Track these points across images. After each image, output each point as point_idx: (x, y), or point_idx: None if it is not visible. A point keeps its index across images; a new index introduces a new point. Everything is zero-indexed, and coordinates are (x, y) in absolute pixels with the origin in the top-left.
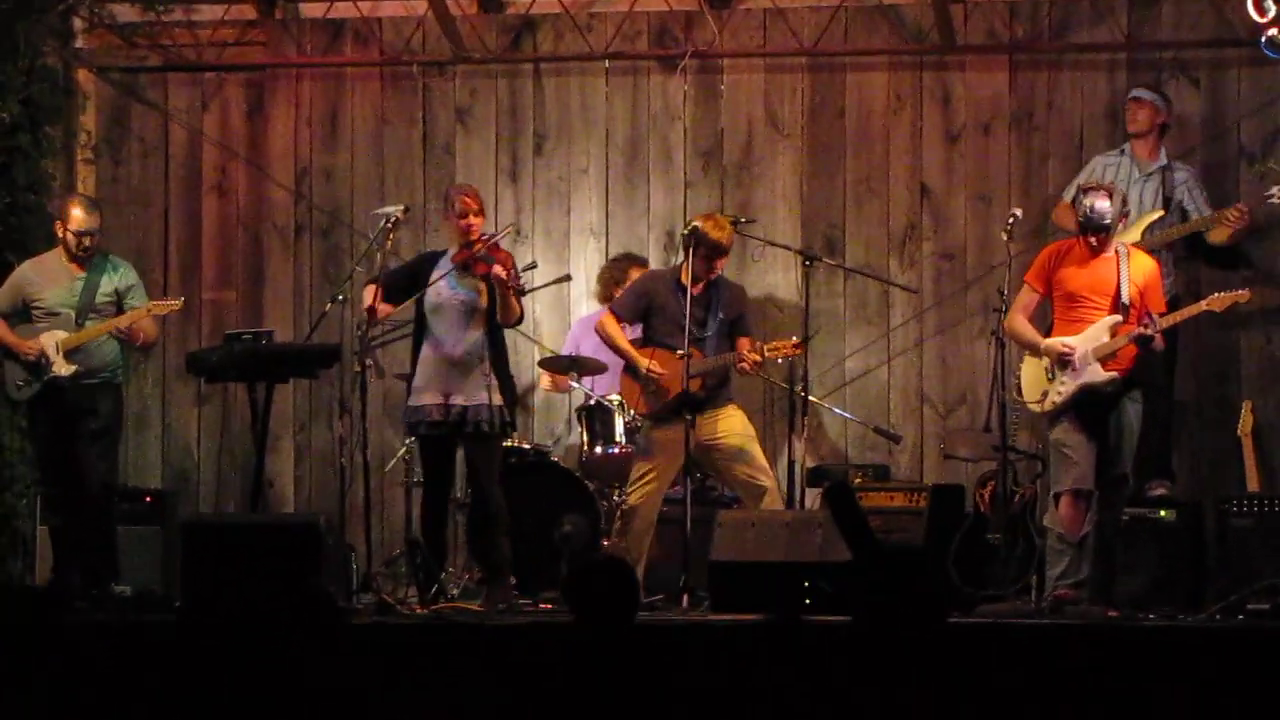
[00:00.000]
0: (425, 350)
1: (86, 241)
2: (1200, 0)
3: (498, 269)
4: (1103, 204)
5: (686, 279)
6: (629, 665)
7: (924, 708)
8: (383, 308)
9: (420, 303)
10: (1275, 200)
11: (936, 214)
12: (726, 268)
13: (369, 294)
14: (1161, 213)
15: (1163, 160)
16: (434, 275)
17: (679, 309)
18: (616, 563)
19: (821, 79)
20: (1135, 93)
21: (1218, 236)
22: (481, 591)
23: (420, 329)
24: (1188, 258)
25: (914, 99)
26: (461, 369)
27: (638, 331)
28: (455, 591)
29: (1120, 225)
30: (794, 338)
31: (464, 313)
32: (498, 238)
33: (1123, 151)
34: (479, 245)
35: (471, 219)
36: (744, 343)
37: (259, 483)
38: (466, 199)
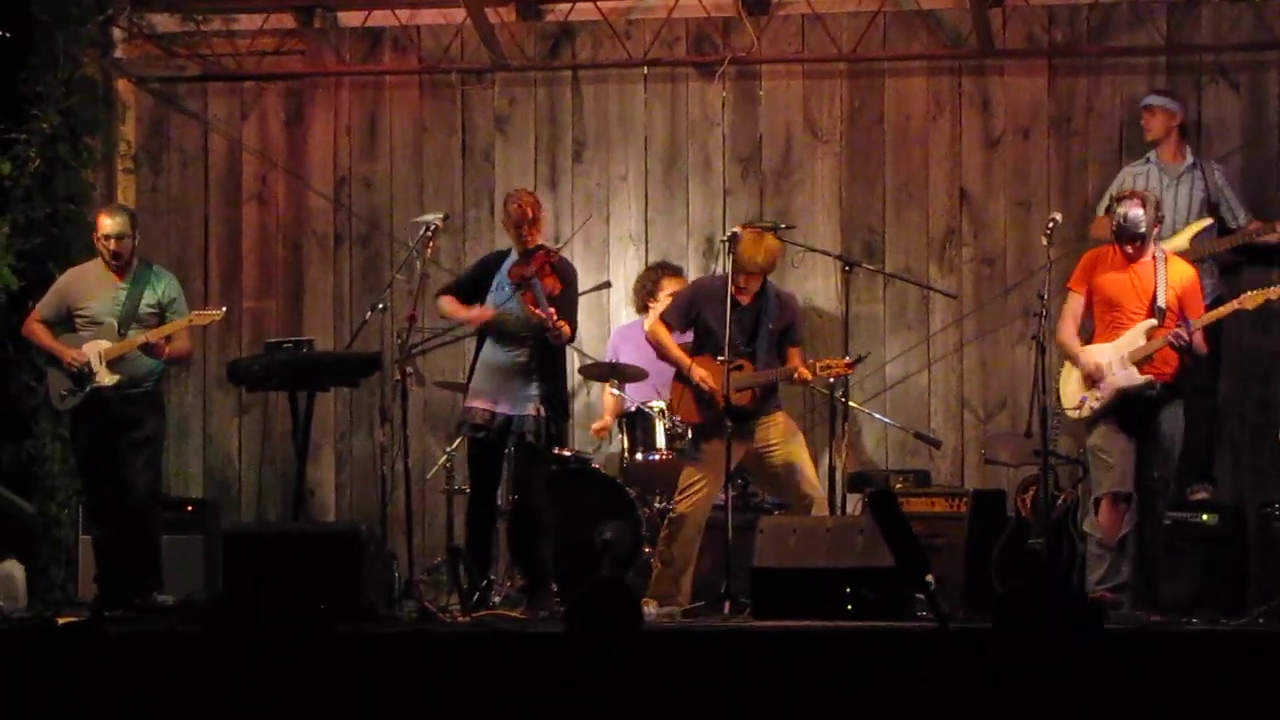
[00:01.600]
0: (483, 353)
1: (113, 245)
2: (1239, 3)
3: (537, 311)
4: (1136, 212)
5: (729, 285)
6: (639, 678)
7: (969, 713)
8: (478, 312)
9: (479, 301)
10: None
11: (976, 219)
12: (770, 275)
13: (450, 304)
14: (1210, 221)
15: (1189, 160)
16: (495, 282)
17: (728, 318)
18: (617, 584)
19: (860, 84)
20: (1145, 101)
21: (1266, 238)
22: (523, 599)
23: (481, 332)
24: (1231, 261)
25: (953, 104)
26: (510, 377)
27: (688, 337)
28: (497, 599)
29: (1156, 231)
30: (846, 358)
31: (518, 327)
32: (551, 257)
33: (1148, 160)
34: (532, 265)
35: (524, 230)
36: (794, 353)
37: (300, 491)
38: (518, 207)
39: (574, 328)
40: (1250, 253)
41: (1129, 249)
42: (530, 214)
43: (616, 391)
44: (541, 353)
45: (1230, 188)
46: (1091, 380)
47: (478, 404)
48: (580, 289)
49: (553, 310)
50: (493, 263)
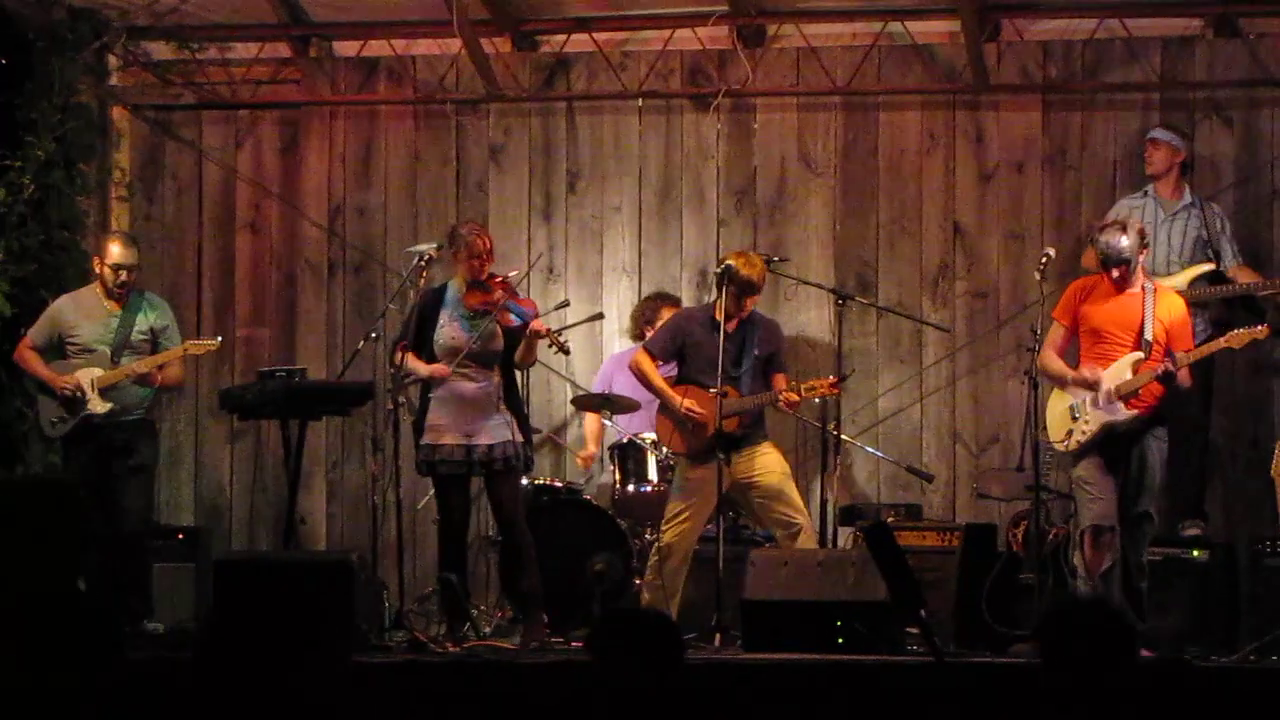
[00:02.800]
0: (442, 391)
1: (123, 276)
2: (1234, 40)
3: (536, 324)
4: (1117, 240)
5: (720, 316)
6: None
7: None
8: (441, 369)
9: (429, 343)
10: None
11: (969, 253)
12: (760, 305)
13: (410, 359)
14: (1213, 267)
15: (1188, 199)
16: (443, 318)
17: (713, 347)
18: (657, 616)
19: (855, 118)
20: (1150, 134)
21: (1262, 292)
22: (515, 630)
23: None
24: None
25: (947, 138)
26: (481, 410)
27: (673, 369)
28: (488, 630)
29: (1142, 258)
30: (831, 377)
31: (481, 356)
32: (510, 280)
33: (1146, 194)
34: (498, 293)
35: (484, 260)
36: (780, 379)
37: (291, 520)
38: (481, 239)
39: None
40: (1245, 303)
41: (1115, 274)
42: (490, 245)
43: (609, 422)
44: (505, 380)
45: (1226, 233)
46: (1093, 387)
47: (448, 440)
48: (573, 320)
49: (549, 327)
50: (431, 301)
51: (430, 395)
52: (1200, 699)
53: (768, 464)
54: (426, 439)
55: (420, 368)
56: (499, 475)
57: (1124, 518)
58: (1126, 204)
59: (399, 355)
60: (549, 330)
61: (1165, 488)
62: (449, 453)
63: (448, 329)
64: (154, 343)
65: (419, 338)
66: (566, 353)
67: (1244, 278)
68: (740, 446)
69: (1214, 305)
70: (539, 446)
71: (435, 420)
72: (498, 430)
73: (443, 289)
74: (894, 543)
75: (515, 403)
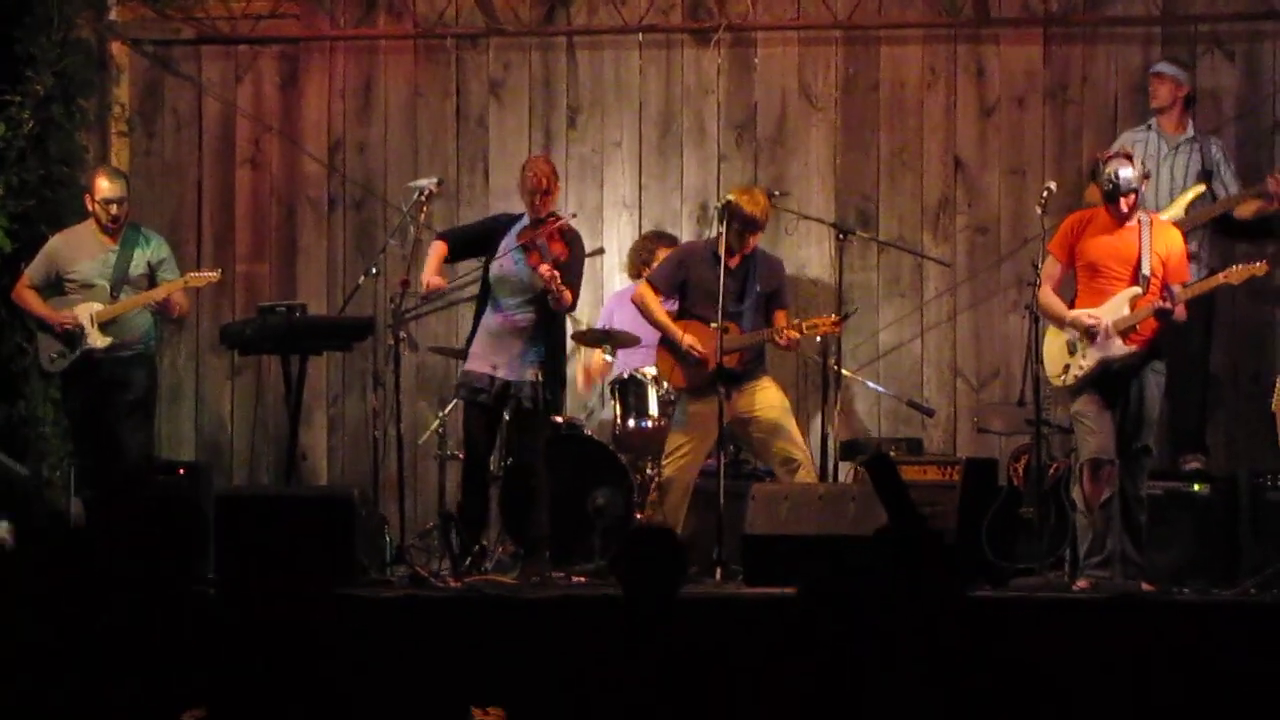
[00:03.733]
0: (485, 317)
1: (114, 210)
2: None
3: (543, 268)
4: (1126, 170)
5: (722, 252)
6: (673, 636)
7: (956, 681)
8: (435, 281)
9: (486, 269)
10: None
11: (970, 188)
12: (761, 241)
13: (435, 251)
14: (1203, 188)
15: (1190, 132)
16: (503, 245)
17: (716, 282)
18: (666, 531)
19: (856, 52)
20: (1155, 68)
21: (1244, 211)
22: (515, 564)
23: (484, 294)
24: (1222, 232)
25: (948, 72)
26: (511, 343)
27: (675, 304)
28: (489, 565)
29: (1143, 186)
30: (833, 315)
31: (520, 288)
32: (561, 224)
33: (1149, 127)
34: (543, 231)
35: (537, 199)
36: (780, 316)
37: (292, 456)
38: (534, 175)
39: (576, 297)
40: (1236, 226)
41: (1123, 206)
42: (545, 184)
43: (610, 358)
44: (542, 319)
45: (1227, 163)
46: (1092, 333)
47: (477, 367)
48: None
49: (557, 273)
50: (504, 222)
51: (479, 321)
52: (1201, 632)
53: (768, 399)
54: (464, 365)
55: (427, 271)
56: (516, 415)
57: (1123, 452)
58: (1129, 136)
59: (434, 244)
60: (550, 277)
61: (1165, 421)
62: (475, 379)
63: (501, 259)
64: (152, 276)
65: (464, 246)
66: (559, 305)
67: (1245, 208)
68: (741, 382)
69: (1214, 247)
70: None
71: (474, 347)
72: (521, 368)
73: (520, 216)
74: (896, 474)
75: (549, 343)
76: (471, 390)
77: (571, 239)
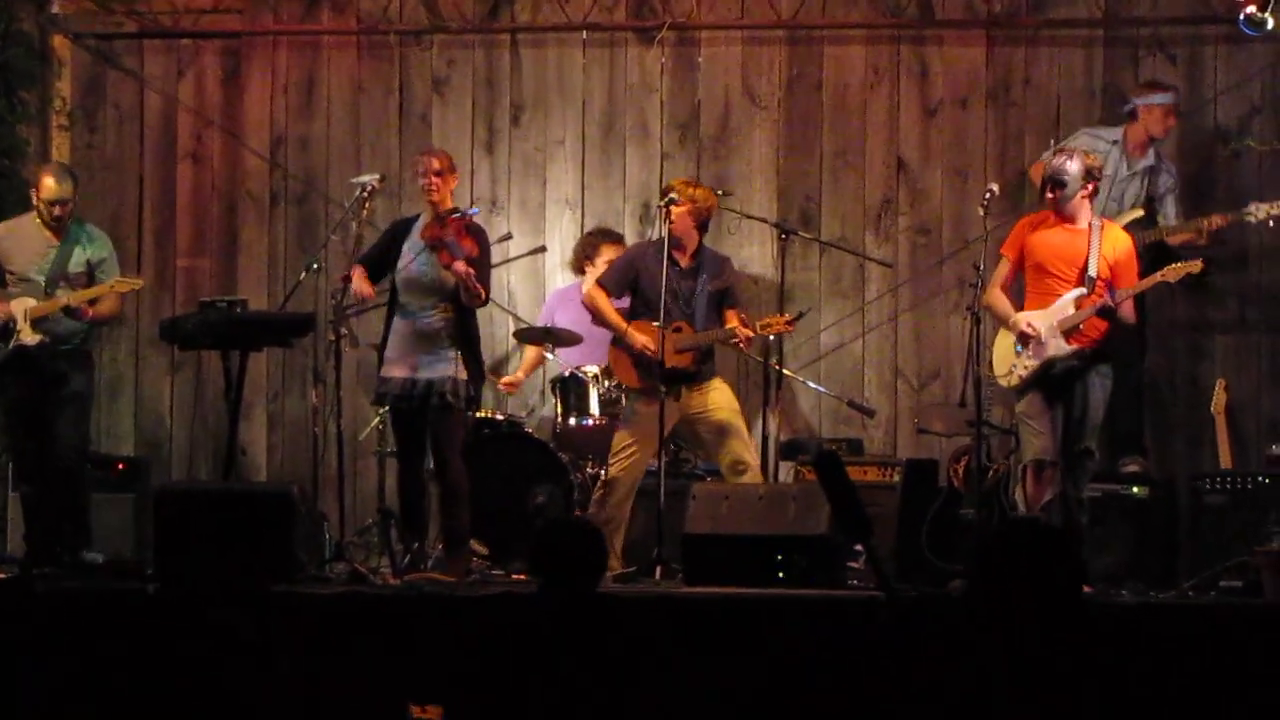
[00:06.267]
0: (396, 322)
1: (57, 210)
2: None
3: (458, 265)
4: (1064, 162)
5: (664, 236)
6: (594, 630)
7: (890, 685)
8: (368, 290)
9: (390, 269)
10: (1251, 219)
11: (913, 188)
12: (705, 240)
13: (357, 277)
14: (1141, 213)
15: (1150, 160)
16: (405, 248)
17: (666, 281)
18: (582, 524)
19: (799, 52)
20: (1161, 99)
21: (1173, 239)
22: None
23: (393, 299)
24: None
25: (891, 73)
26: (428, 343)
27: (626, 303)
28: (429, 563)
29: (1085, 190)
30: (786, 314)
31: (431, 289)
32: (466, 219)
33: (1115, 141)
34: (449, 226)
35: (431, 178)
36: (732, 315)
37: (232, 451)
38: (425, 158)
39: (488, 291)
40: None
41: (1050, 196)
42: (437, 165)
43: (550, 355)
44: (456, 316)
45: (1174, 192)
46: (1025, 339)
47: (396, 373)
48: (516, 253)
49: (472, 270)
50: (402, 226)
51: (390, 326)
52: (1139, 635)
53: (719, 400)
54: (381, 371)
55: (355, 284)
56: (436, 411)
57: (1065, 453)
58: (1091, 137)
59: (352, 270)
60: (466, 274)
61: (1105, 424)
62: (396, 385)
63: (406, 259)
64: (90, 275)
65: (378, 265)
66: (474, 301)
67: (1176, 237)
68: (693, 382)
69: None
70: None
71: (389, 352)
72: (440, 366)
73: (415, 218)
74: (844, 473)
75: (466, 339)
76: (395, 397)
77: (478, 233)
